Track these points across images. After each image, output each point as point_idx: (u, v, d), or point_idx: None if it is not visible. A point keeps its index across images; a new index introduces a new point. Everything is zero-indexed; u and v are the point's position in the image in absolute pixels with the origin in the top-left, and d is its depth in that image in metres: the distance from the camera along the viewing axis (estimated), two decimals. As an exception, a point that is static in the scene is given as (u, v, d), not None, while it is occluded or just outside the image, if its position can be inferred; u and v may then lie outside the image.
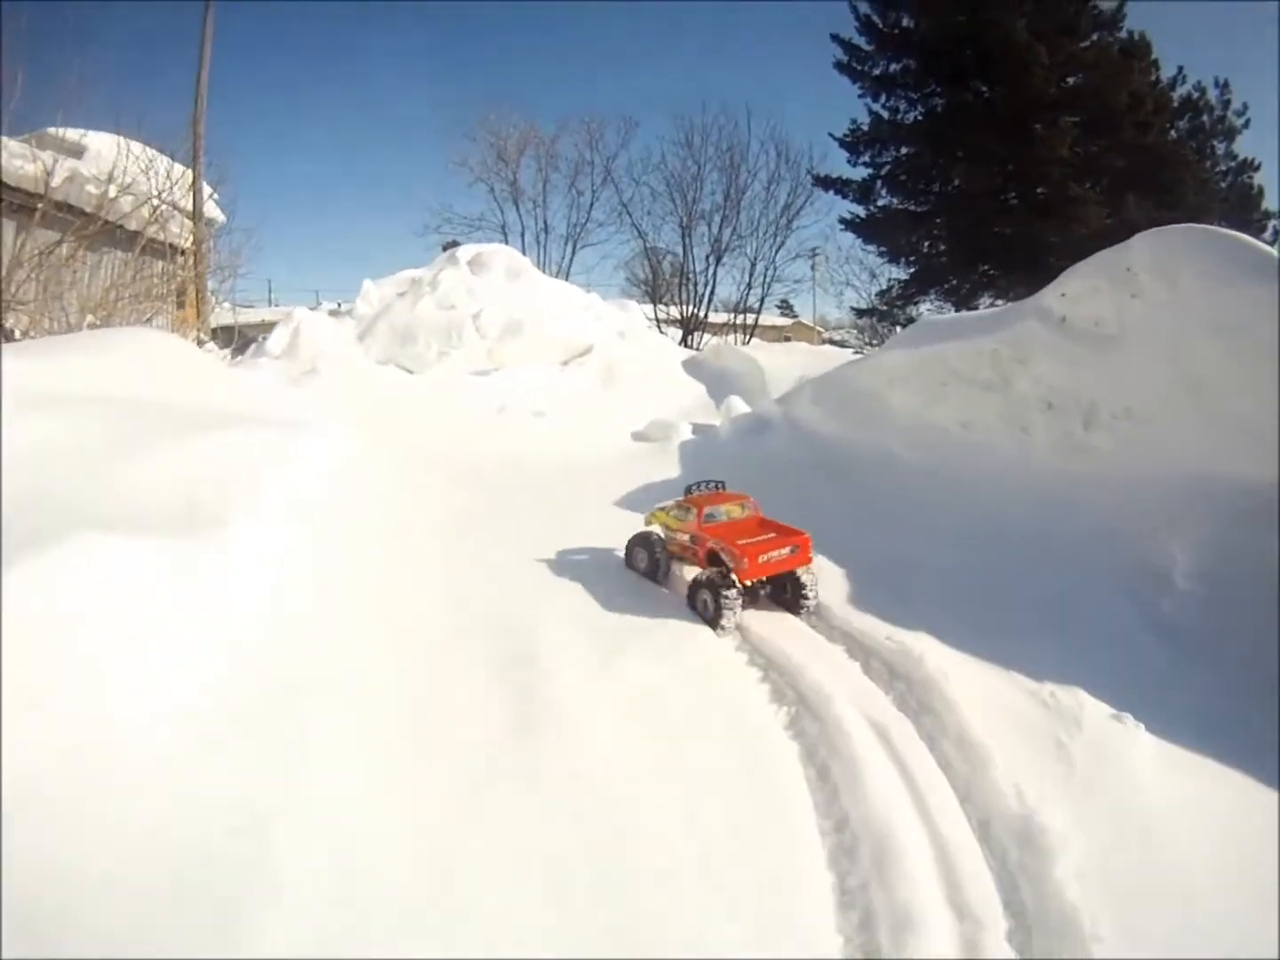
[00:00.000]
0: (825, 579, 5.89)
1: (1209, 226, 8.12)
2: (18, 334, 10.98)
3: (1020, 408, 8.20)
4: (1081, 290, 8.27)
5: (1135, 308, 7.74)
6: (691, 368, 16.16)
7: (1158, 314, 7.51)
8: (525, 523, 7.46)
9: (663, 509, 6.15)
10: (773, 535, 5.58)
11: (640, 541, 6.14)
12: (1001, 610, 5.53)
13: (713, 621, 5.24)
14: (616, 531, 6.66)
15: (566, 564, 6.33)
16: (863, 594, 5.89)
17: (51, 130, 14.11)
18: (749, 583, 5.35)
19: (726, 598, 5.17)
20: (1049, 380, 8.10)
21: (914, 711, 4.42)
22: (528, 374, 14.07)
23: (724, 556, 5.37)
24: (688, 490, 6.19)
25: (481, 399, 12.97)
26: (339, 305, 17.28)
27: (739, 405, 11.13)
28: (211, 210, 19.91)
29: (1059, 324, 8.30)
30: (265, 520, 5.01)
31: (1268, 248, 7.53)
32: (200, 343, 16.03)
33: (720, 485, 6.28)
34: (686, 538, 5.79)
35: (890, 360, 9.89)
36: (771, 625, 5.45)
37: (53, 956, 2.43)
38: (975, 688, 4.53)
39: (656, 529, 6.13)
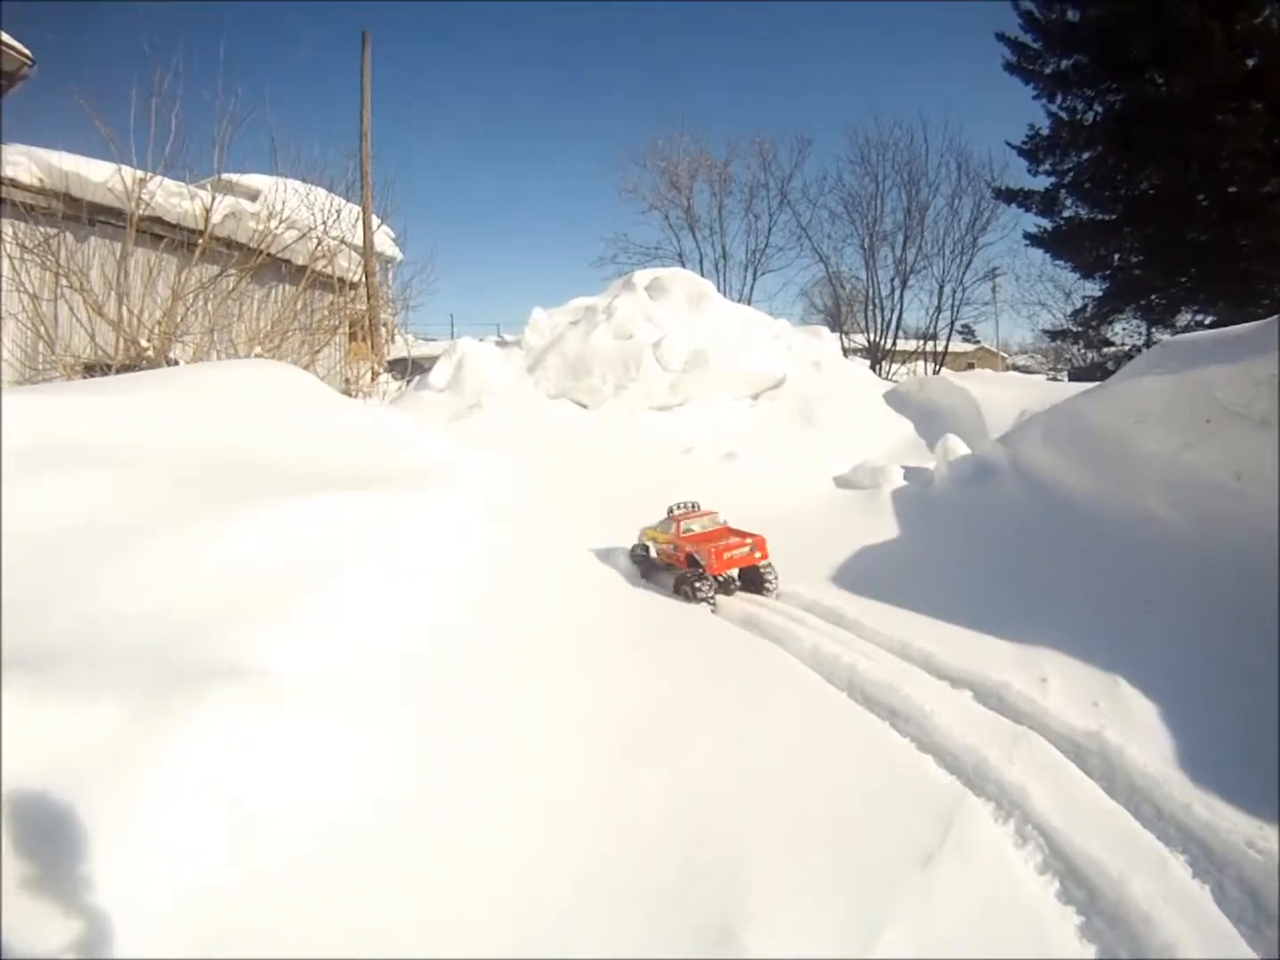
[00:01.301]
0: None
1: None
2: (182, 364, 11.44)
3: None
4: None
5: None
6: (894, 401, 15.01)
7: None
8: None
9: (651, 528, 7.40)
10: (734, 539, 6.87)
11: (638, 552, 7.47)
12: (1229, 750, 4.16)
13: (695, 600, 6.49)
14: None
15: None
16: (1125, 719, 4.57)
17: (228, 176, 14.63)
18: (721, 575, 6.80)
19: (701, 587, 6.53)
20: None
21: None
22: (715, 410, 13.46)
23: (698, 556, 6.70)
24: (669, 510, 7.32)
25: (664, 438, 12.28)
26: (502, 337, 17.04)
27: (958, 446, 9.89)
28: (387, 246, 20.64)
29: None
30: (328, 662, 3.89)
31: None
32: (375, 375, 16.56)
33: (695, 505, 7.44)
34: (670, 546, 7.07)
35: (1137, 391, 8.37)
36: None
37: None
38: None
39: (649, 543, 7.36)
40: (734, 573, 6.99)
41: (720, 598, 6.73)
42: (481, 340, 16.28)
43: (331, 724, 3.45)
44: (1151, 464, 7.70)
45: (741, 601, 6.68)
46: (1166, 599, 5.97)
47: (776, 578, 6.87)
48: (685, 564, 6.87)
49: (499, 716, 4.17)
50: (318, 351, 14.70)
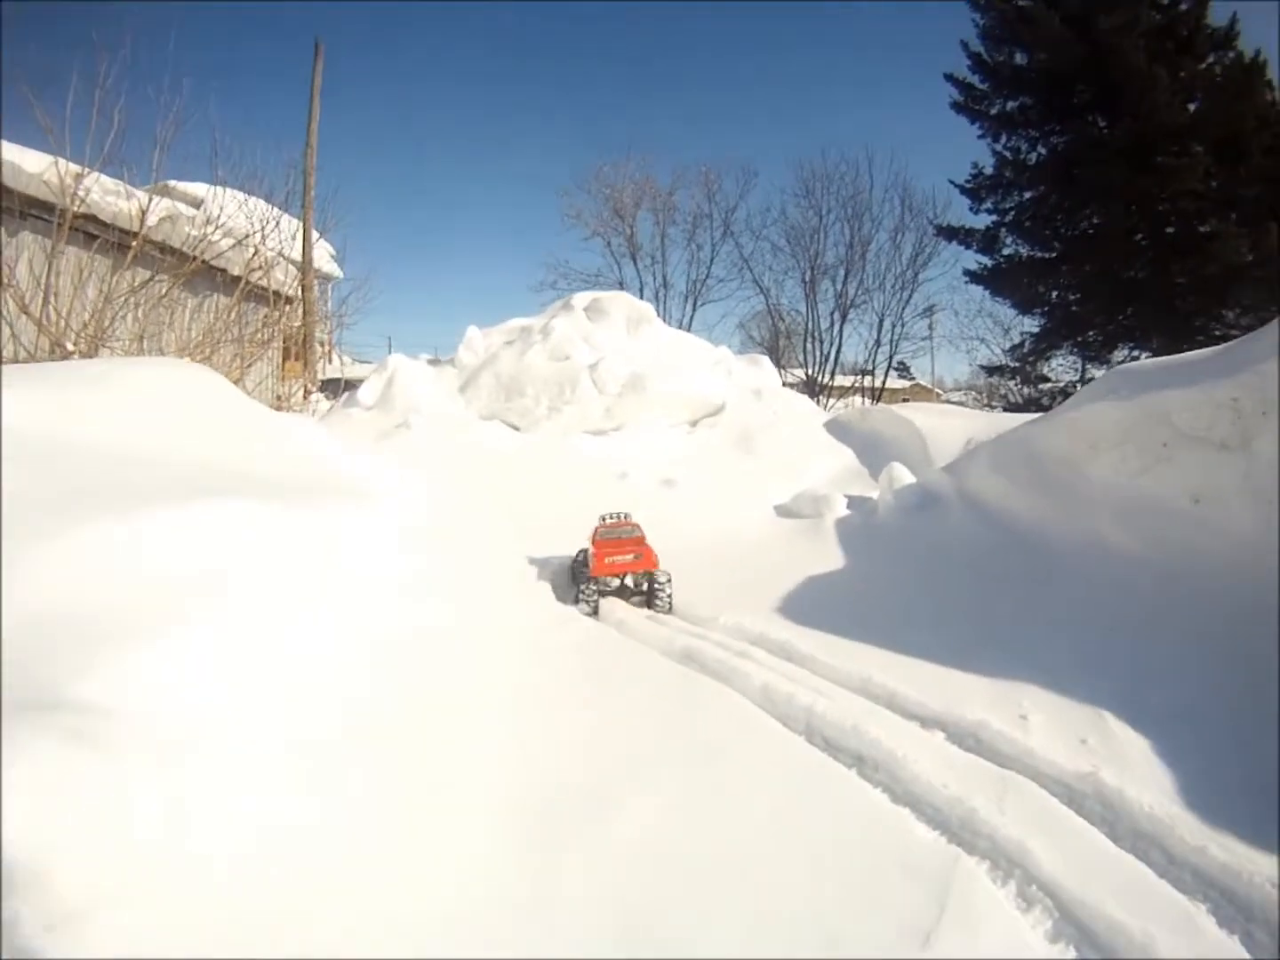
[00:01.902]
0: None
1: None
2: None
3: (1266, 476, 6.33)
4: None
5: None
6: (836, 431, 14.71)
7: None
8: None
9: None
10: (627, 547, 7.05)
11: (579, 558, 7.65)
12: (1235, 786, 3.79)
13: (580, 604, 6.87)
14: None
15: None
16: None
17: (168, 183, 14.14)
18: (614, 580, 7.04)
19: (584, 589, 6.88)
20: None
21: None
22: (653, 436, 13.02)
23: (589, 559, 7.00)
24: (601, 519, 7.56)
25: (599, 462, 11.86)
26: (436, 356, 16.48)
27: (903, 475, 9.54)
28: (326, 263, 20.08)
29: None
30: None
31: None
32: (307, 393, 16.05)
33: (626, 516, 7.62)
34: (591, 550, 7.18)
35: (1090, 417, 8.06)
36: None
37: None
38: None
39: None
40: (630, 582, 7.12)
41: (658, 629, 6.38)
42: (415, 359, 15.56)
43: (180, 776, 2.77)
44: (1105, 491, 7.48)
45: (681, 634, 6.15)
46: (1131, 627, 5.68)
47: (668, 592, 6.94)
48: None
49: (387, 784, 3.53)
50: (249, 365, 14.03)
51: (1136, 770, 3.97)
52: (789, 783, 3.84)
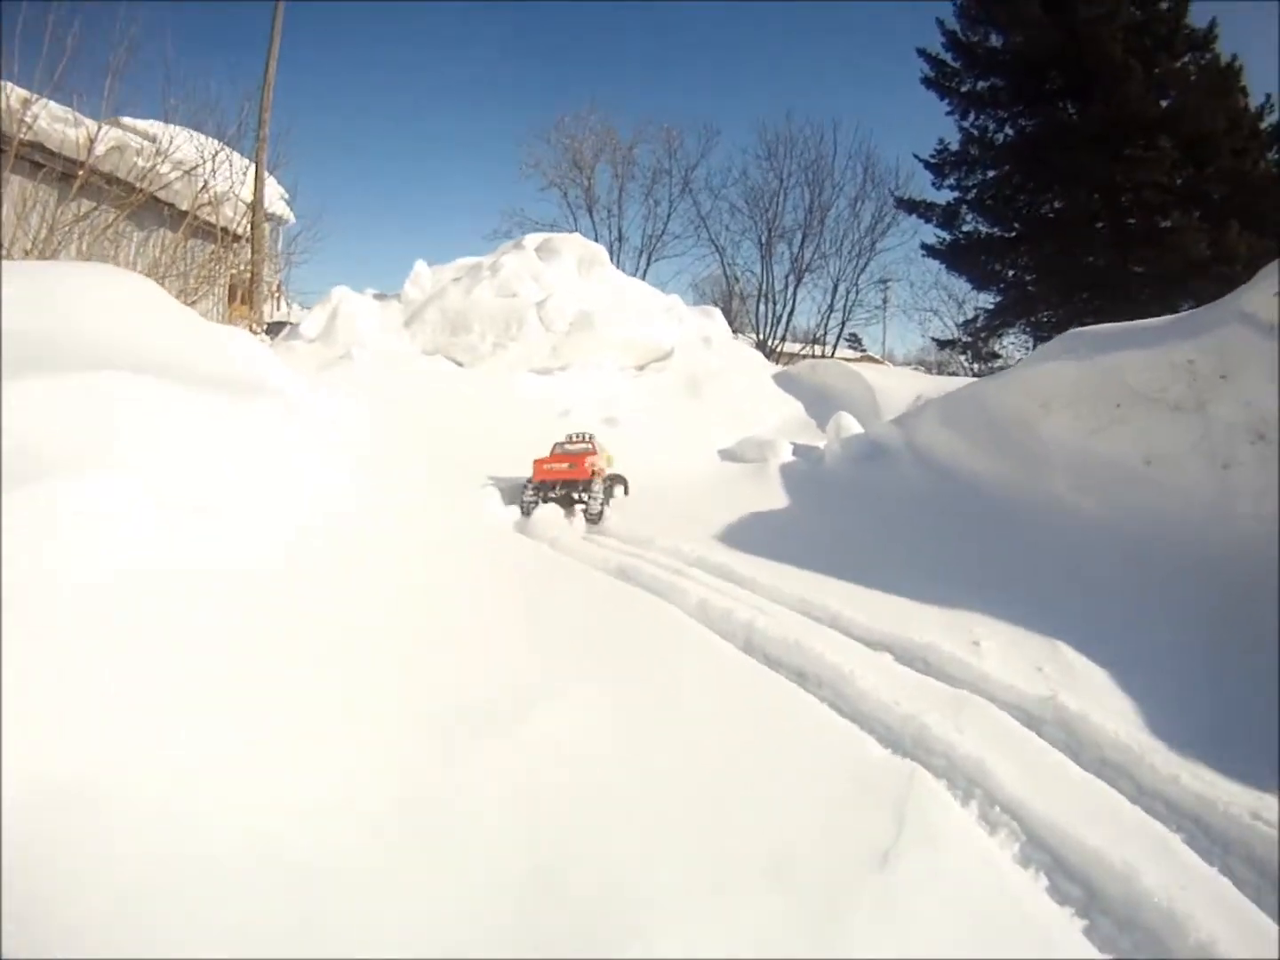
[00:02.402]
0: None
1: None
2: None
3: (1222, 437, 6.38)
4: (1305, 289, 6.42)
5: None
6: (785, 383, 14.58)
7: None
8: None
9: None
10: (569, 459, 7.51)
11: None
12: (1202, 720, 3.64)
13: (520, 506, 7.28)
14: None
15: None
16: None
17: (125, 120, 13.78)
18: (547, 487, 7.45)
19: (525, 493, 7.29)
20: (1260, 403, 6.24)
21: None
22: (598, 377, 12.78)
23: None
24: (568, 436, 8.04)
25: (542, 400, 11.56)
26: (383, 293, 15.97)
27: (851, 425, 9.37)
28: (278, 205, 19.47)
29: (1268, 332, 6.45)
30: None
31: None
32: (254, 333, 15.55)
33: (589, 436, 8.08)
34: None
35: (1045, 375, 8.01)
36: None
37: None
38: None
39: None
40: (574, 494, 7.55)
41: (594, 548, 6.32)
42: (360, 293, 15.07)
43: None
44: (1057, 449, 7.43)
45: (618, 554, 5.92)
46: (1084, 576, 5.54)
47: (599, 499, 7.27)
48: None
49: (308, 685, 3.21)
50: (194, 303, 13.39)
51: (1099, 699, 3.78)
52: (730, 693, 3.57)
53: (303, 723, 2.92)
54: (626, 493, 8.17)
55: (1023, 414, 7.93)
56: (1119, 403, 7.19)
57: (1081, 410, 7.47)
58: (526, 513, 7.08)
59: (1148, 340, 7.33)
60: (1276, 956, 2.33)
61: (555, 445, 7.86)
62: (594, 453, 7.75)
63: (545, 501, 7.33)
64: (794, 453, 9.40)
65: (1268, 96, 21.48)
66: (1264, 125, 21.41)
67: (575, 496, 7.55)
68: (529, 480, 7.49)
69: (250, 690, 3.00)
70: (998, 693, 3.79)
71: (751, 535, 6.43)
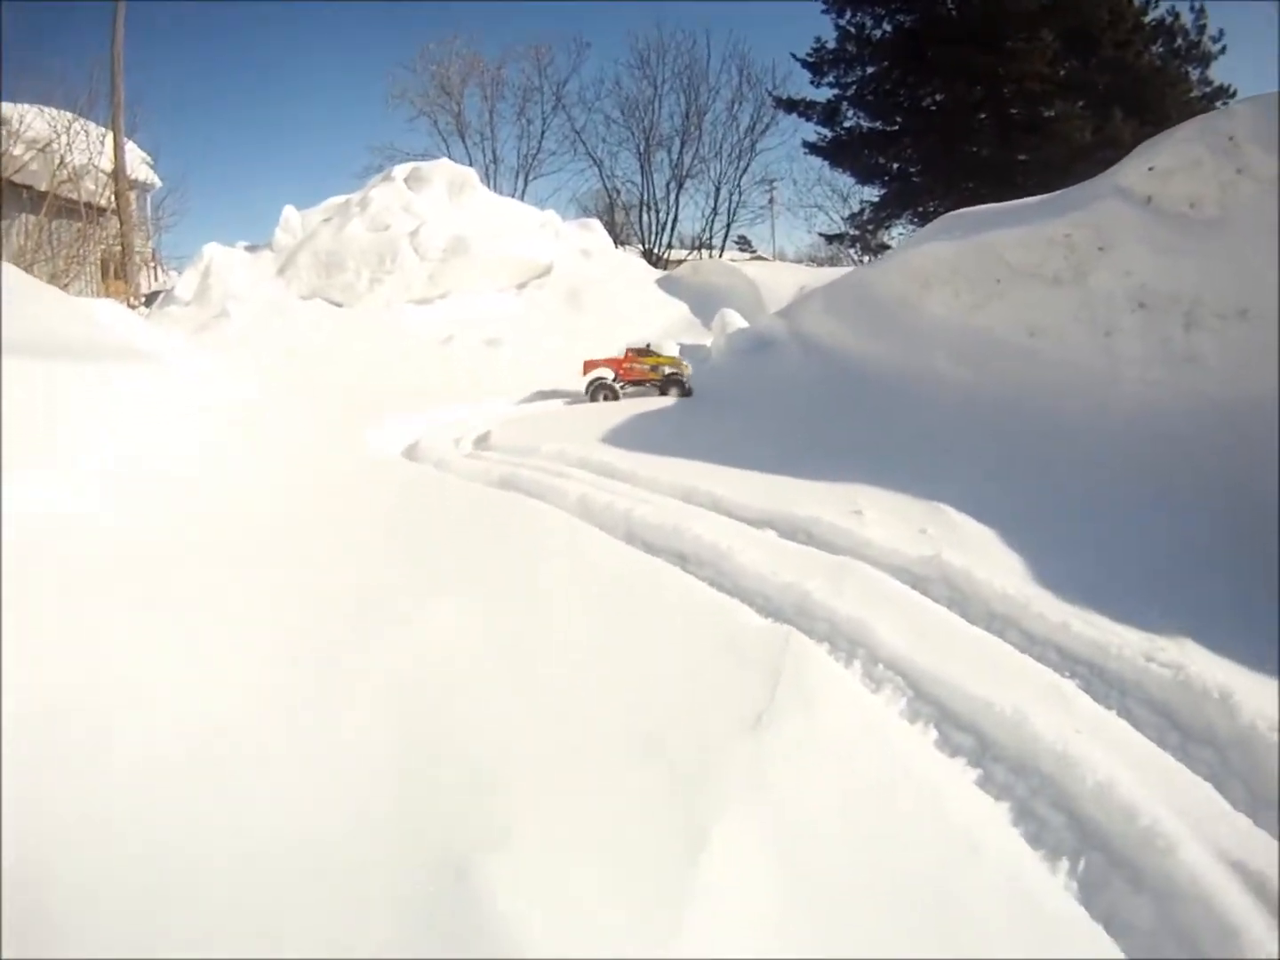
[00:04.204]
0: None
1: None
2: None
3: (1103, 307, 6.45)
4: (1173, 164, 6.44)
5: (1243, 187, 6.01)
6: (668, 286, 14.53)
7: (1272, 195, 5.76)
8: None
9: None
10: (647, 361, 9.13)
11: (599, 384, 9.16)
12: (1089, 573, 3.59)
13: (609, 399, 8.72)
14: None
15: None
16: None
17: None
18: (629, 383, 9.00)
19: (611, 388, 8.80)
20: (1138, 273, 6.33)
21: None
22: (478, 300, 12.55)
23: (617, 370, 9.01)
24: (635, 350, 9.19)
25: (422, 330, 11.38)
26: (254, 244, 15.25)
27: (735, 320, 9.30)
28: (142, 171, 18.45)
29: (1144, 204, 6.50)
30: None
31: None
32: (132, 308, 14.73)
33: (647, 345, 9.34)
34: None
35: (925, 255, 8.05)
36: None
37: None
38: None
39: (605, 373, 9.32)
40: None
41: (476, 463, 6.17)
42: (231, 246, 14.49)
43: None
44: (939, 326, 7.47)
45: (500, 465, 5.79)
46: (968, 447, 5.57)
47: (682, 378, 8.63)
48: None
49: (178, 596, 3.10)
50: (66, 285, 12.72)
51: (983, 555, 3.74)
52: (605, 581, 3.42)
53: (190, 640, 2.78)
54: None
55: (904, 295, 7.98)
56: (998, 279, 7.23)
57: (960, 288, 7.51)
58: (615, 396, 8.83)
59: (1025, 218, 7.40)
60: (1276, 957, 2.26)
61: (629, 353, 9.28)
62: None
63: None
64: (680, 352, 9.40)
65: (1153, -10, 21.74)
66: (1148, 20, 21.55)
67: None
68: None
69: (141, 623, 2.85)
70: (881, 557, 3.75)
71: (637, 434, 6.37)
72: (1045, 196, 7.93)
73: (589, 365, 9.14)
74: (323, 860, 1.84)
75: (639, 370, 8.84)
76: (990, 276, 7.28)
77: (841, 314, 8.55)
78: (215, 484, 4.57)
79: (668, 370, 8.85)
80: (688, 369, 8.86)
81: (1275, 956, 2.15)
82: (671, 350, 9.48)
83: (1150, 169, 6.59)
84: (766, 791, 2.08)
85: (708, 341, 9.52)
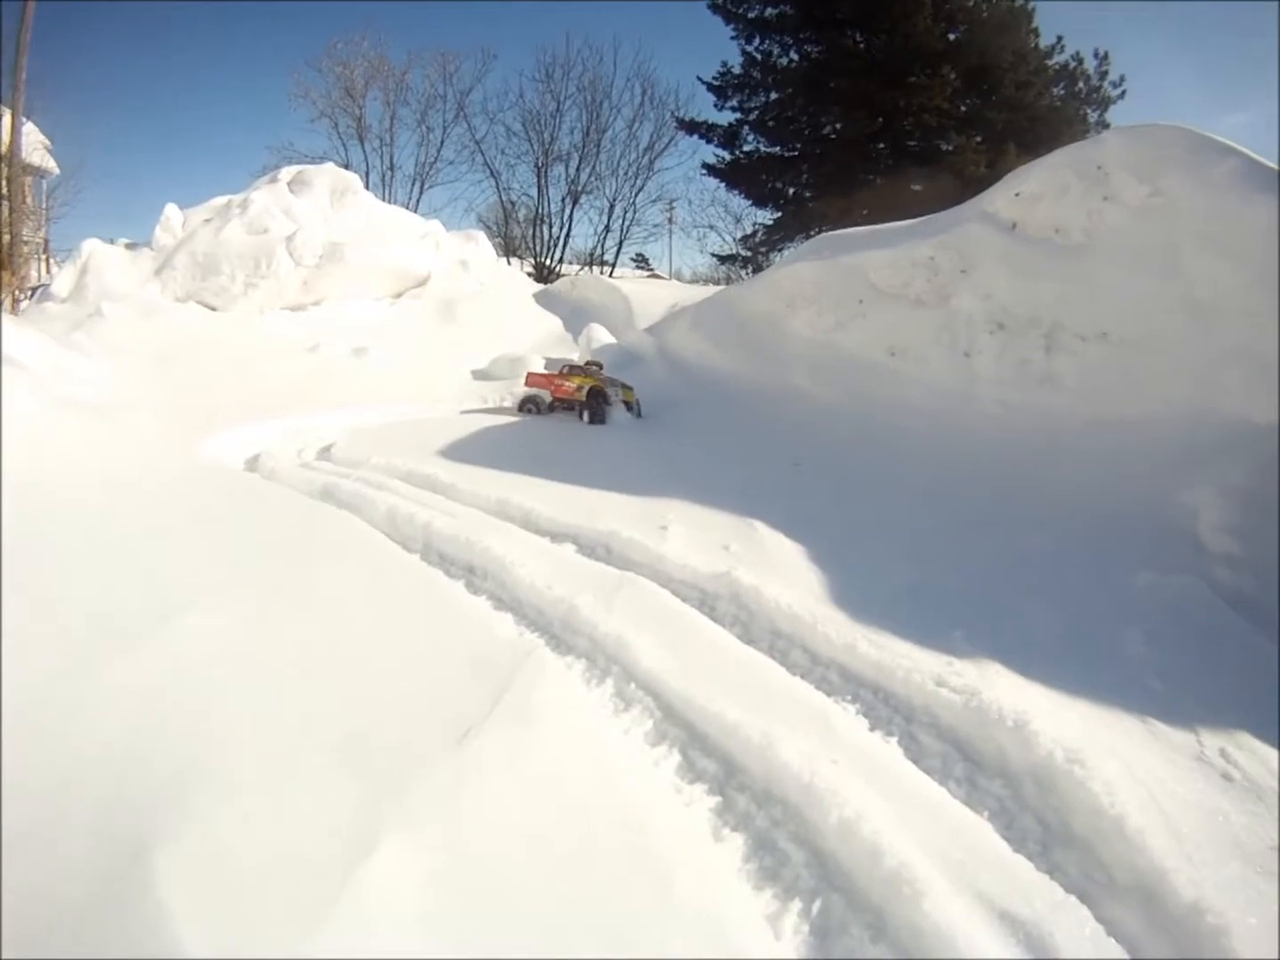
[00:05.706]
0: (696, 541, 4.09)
1: (1195, 129, 6.46)
2: None
3: (963, 329, 6.53)
4: (1040, 190, 6.58)
5: (1109, 214, 6.16)
6: (545, 300, 14.34)
7: (1139, 222, 5.95)
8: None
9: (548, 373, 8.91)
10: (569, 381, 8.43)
11: (529, 398, 8.70)
12: (894, 593, 3.53)
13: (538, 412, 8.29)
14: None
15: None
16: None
17: None
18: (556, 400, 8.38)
19: (538, 403, 8.29)
20: (999, 296, 6.41)
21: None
22: (351, 309, 12.28)
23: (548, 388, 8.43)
24: (571, 367, 8.69)
25: (292, 337, 10.95)
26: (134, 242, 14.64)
27: (602, 335, 9.19)
28: (39, 156, 17.59)
29: (1008, 230, 6.59)
30: None
31: (1263, 159, 5.98)
32: (16, 302, 14.11)
33: (598, 365, 8.67)
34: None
35: (791, 275, 8.10)
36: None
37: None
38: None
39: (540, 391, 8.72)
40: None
41: (305, 472, 5.92)
42: (112, 244, 13.88)
43: None
44: (802, 345, 7.52)
45: (324, 475, 5.60)
46: (820, 463, 5.55)
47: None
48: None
49: None
50: None
51: (781, 573, 3.64)
52: (380, 592, 3.31)
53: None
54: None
55: (770, 314, 8.01)
56: (861, 299, 7.27)
57: (825, 307, 7.55)
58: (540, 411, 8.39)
59: (892, 240, 7.46)
60: (1276, 957, 2.22)
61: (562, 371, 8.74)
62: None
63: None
64: (546, 367, 9.30)
65: (1059, 38, 22.31)
66: (1051, 63, 22.21)
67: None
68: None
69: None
70: (673, 572, 3.68)
71: (474, 448, 6.22)
72: (916, 220, 8.00)
73: (530, 378, 8.79)
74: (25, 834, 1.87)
75: (566, 389, 8.46)
76: (854, 297, 7.32)
77: (708, 331, 8.58)
78: (35, 485, 4.25)
79: (599, 391, 8.25)
80: (632, 394, 8.24)
81: (1275, 956, 2.21)
82: (536, 365, 9.39)
83: (1016, 194, 6.67)
84: (463, 806, 2.04)
85: (574, 356, 9.35)
